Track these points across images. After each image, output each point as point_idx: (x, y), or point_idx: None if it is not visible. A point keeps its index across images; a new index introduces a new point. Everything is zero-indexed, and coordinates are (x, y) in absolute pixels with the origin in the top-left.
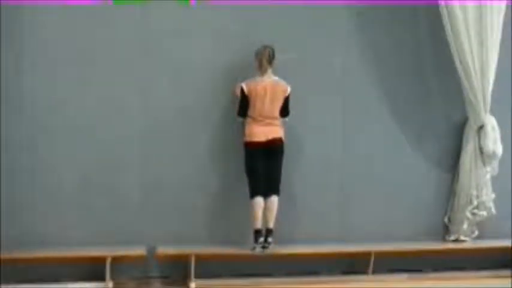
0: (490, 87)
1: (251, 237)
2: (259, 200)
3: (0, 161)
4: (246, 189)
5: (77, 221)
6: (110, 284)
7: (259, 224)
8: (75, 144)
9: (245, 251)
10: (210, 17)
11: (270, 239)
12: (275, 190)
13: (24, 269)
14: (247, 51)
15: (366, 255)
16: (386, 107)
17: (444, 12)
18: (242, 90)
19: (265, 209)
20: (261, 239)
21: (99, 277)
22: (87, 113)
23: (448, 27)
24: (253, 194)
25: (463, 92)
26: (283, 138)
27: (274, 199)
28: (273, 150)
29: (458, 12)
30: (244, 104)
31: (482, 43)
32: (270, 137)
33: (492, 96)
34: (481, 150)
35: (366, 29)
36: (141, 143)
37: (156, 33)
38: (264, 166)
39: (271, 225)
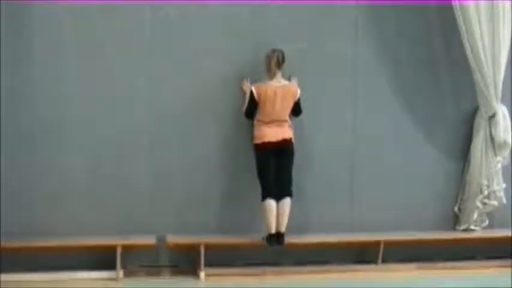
0: (502, 75)
1: (261, 226)
2: (270, 203)
3: (11, 151)
4: (255, 179)
5: (87, 210)
6: (120, 272)
7: (273, 229)
8: (85, 134)
9: (255, 240)
10: (221, 13)
11: (282, 244)
12: (288, 192)
13: (35, 258)
14: (258, 46)
15: (376, 244)
16: (397, 97)
17: (456, 5)
18: (252, 93)
19: (277, 212)
20: (272, 246)
21: (110, 266)
22: (98, 105)
23: (460, 20)
24: (264, 196)
25: (473, 80)
26: (293, 139)
27: (287, 201)
28: (283, 151)
29: (470, 5)
30: (252, 107)
31: (494, 32)
32: (280, 137)
33: (503, 84)
34: (492, 139)
35: (377, 20)
36: (151, 134)
37: (167, 28)
38: (275, 167)
39: (283, 229)
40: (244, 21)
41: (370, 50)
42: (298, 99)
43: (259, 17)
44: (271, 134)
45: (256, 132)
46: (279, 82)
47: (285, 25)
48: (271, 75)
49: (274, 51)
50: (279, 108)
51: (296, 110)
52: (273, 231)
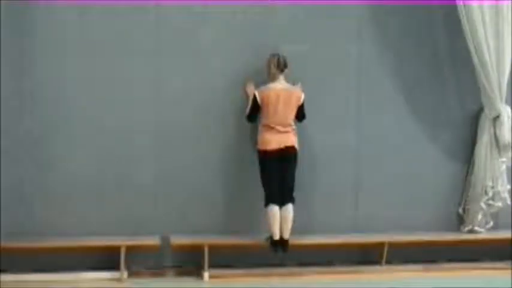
0: (506, 77)
1: (265, 227)
2: (273, 209)
3: (12, 151)
4: (260, 180)
5: (92, 210)
6: (124, 273)
7: (277, 235)
8: (90, 135)
9: (259, 241)
10: (224, 13)
11: (286, 251)
12: (290, 198)
13: (40, 259)
14: (262, 47)
15: (380, 245)
16: (401, 98)
17: (460, 5)
18: (255, 97)
19: (280, 219)
20: (275, 251)
21: (114, 266)
22: (101, 105)
23: (464, 20)
24: (268, 202)
25: (478, 81)
26: (297, 146)
27: (289, 208)
28: (286, 158)
29: (474, 5)
30: (255, 111)
31: (498, 33)
32: (283, 145)
33: (507, 85)
34: (496, 140)
35: (381, 20)
36: (156, 134)
37: (169, 28)
38: (278, 174)
39: (286, 235)
40: (248, 22)
41: (374, 50)
42: (302, 104)
43: (263, 17)
44: (275, 141)
45: (260, 139)
46: (282, 85)
47: (288, 25)
48: (271, 78)
49: (273, 55)
50: (282, 112)
51: (300, 115)
52: (277, 237)
